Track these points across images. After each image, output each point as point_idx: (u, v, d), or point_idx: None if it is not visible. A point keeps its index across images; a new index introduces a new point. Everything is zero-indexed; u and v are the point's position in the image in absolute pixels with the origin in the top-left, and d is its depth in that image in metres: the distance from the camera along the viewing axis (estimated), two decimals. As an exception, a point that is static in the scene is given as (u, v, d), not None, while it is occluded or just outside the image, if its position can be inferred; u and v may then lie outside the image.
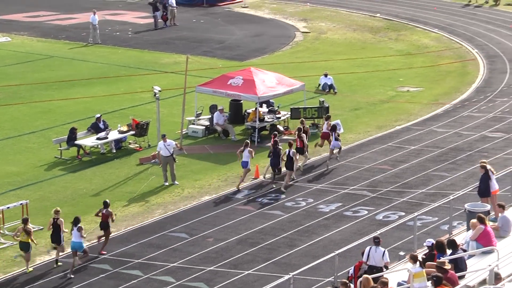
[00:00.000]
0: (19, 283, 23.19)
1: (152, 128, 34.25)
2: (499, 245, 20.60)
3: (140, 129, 34.43)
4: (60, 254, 24.07)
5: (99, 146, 33.73)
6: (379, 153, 33.35)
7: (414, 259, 18.13)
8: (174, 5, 61.13)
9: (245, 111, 37.20)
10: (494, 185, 24.29)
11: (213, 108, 36.64)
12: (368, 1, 67.75)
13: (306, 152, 31.33)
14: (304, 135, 31.25)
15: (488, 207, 22.88)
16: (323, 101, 37.47)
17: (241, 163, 29.77)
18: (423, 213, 24.36)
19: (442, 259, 18.18)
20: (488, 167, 24.34)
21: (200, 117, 36.91)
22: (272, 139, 30.53)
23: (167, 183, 30.38)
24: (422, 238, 22.50)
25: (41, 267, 24.02)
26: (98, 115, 34.79)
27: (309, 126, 36.07)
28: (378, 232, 20.89)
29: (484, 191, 24.19)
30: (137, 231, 26.45)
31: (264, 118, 35.86)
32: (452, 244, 19.39)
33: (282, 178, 29.87)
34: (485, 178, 24.14)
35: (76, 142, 33.37)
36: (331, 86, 42.52)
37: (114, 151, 33.75)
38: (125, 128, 34.26)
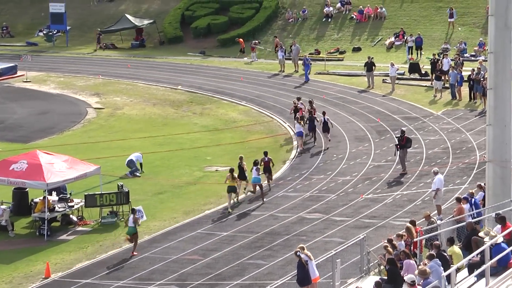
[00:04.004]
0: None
1: None
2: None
3: None
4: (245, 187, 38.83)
5: None
6: (188, 241, 33.50)
7: None
8: None
9: (32, 200, 36.53)
10: (314, 272, 24.97)
11: (-7, 199, 35.78)
12: (167, 72, 68.50)
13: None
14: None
15: (309, 296, 23.46)
16: (122, 185, 37.36)
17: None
18: (239, 307, 24.61)
19: None
20: (306, 253, 25.01)
21: (-22, 210, 35.89)
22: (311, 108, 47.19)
23: None
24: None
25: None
26: None
27: (107, 214, 35.95)
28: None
29: (302, 279, 24.84)
30: None
31: (54, 207, 35.32)
32: None
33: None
34: (302, 265, 24.78)
35: None
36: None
37: None
38: None
